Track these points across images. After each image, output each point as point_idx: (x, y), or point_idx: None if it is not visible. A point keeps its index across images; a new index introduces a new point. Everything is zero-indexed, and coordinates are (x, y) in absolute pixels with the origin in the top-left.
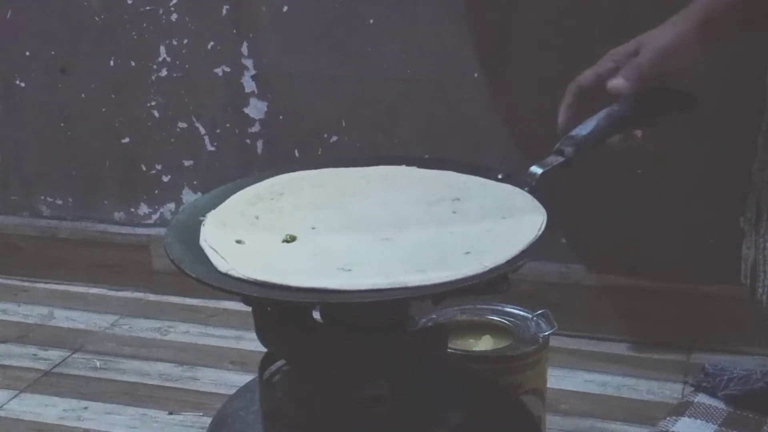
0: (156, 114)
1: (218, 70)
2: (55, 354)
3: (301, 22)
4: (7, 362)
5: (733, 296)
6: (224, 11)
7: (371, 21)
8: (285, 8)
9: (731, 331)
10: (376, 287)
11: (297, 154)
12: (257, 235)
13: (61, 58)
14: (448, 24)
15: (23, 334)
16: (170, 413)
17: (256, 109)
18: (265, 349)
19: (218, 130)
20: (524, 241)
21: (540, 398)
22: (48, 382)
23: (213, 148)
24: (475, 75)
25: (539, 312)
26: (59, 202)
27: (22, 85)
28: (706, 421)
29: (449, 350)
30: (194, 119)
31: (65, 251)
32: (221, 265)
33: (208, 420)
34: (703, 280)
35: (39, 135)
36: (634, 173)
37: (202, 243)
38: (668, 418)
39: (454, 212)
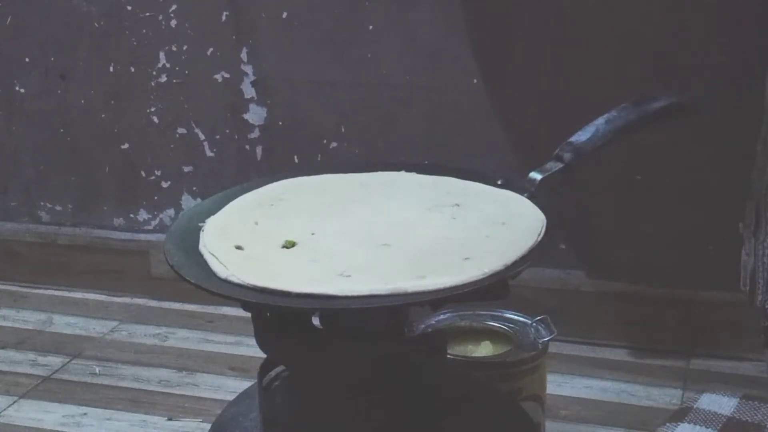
0: (155, 120)
1: (218, 76)
2: (54, 360)
3: (300, 28)
4: (6, 368)
5: (732, 302)
6: (224, 17)
7: (371, 27)
8: (284, 14)
9: (730, 338)
10: (375, 293)
11: (296, 160)
12: (256, 240)
13: (61, 64)
14: (447, 30)
15: (22, 340)
16: (170, 419)
17: (255, 115)
18: (264, 355)
19: (218, 136)
20: (523, 246)
21: (539, 404)
22: (47, 388)
23: (212, 154)
24: (474, 81)
25: (539, 318)
26: (59, 208)
27: (22, 91)
28: (706, 426)
29: (448, 356)
30: (194, 125)
31: (65, 257)
32: (220, 271)
33: (207, 426)
34: (702, 287)
35: (38, 141)
36: (633, 179)
37: (202, 249)
38: (668, 424)
39: (454, 218)
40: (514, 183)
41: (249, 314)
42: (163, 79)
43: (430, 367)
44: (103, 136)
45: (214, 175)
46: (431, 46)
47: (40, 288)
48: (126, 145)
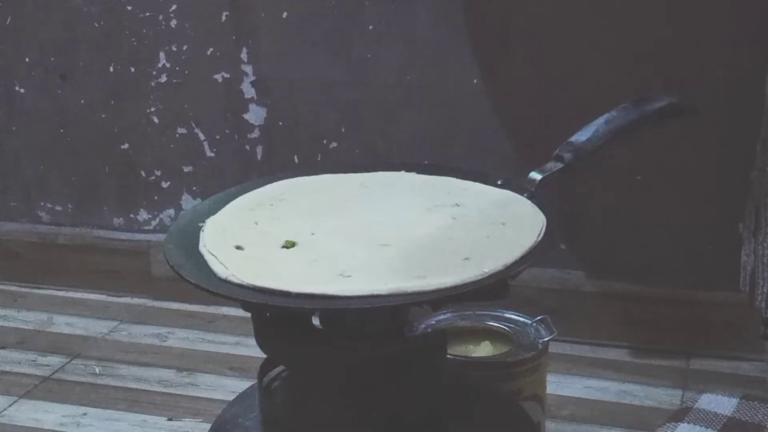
0: (155, 120)
1: (218, 76)
2: (54, 360)
3: (300, 28)
4: (6, 368)
5: (732, 302)
6: (224, 17)
7: (371, 27)
8: (284, 14)
9: (730, 338)
10: (375, 293)
11: (296, 160)
12: (257, 240)
13: (61, 64)
14: (447, 30)
15: (22, 340)
16: (169, 419)
17: (255, 115)
18: (264, 355)
19: (218, 136)
20: (523, 246)
21: (539, 404)
22: (47, 388)
23: (212, 154)
24: (475, 81)
25: (538, 318)
26: (58, 208)
27: (22, 91)
28: (706, 426)
29: (448, 356)
30: (194, 125)
31: (64, 257)
32: (220, 271)
33: (207, 426)
34: (702, 287)
35: (38, 141)
36: (633, 179)
37: (202, 249)
38: (668, 424)
39: (454, 218)
40: (514, 183)
41: (249, 314)
42: (163, 79)
43: (430, 367)
44: (103, 136)
45: (214, 175)
46: (431, 46)
47: (40, 288)
48: (126, 145)
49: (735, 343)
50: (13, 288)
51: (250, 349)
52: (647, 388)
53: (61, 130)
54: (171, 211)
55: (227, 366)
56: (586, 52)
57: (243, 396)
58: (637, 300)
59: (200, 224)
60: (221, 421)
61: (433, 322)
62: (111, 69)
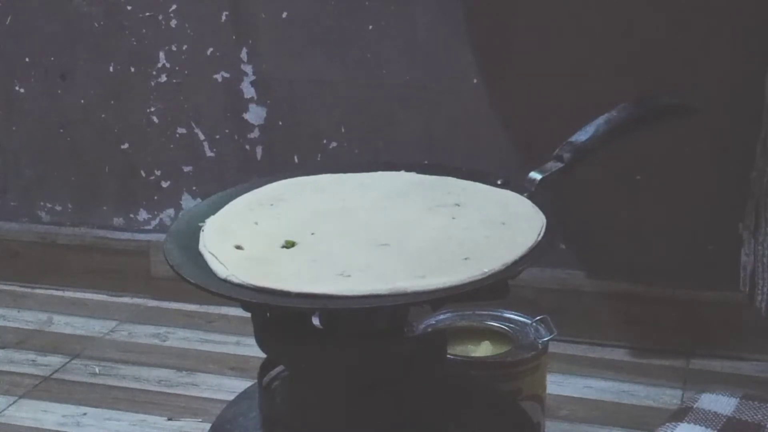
0: (155, 120)
1: (218, 76)
2: (54, 360)
3: (300, 28)
4: (6, 368)
5: (732, 302)
6: (223, 17)
7: (370, 27)
8: (284, 14)
9: (730, 338)
10: (375, 293)
11: (296, 160)
12: (256, 240)
13: (61, 64)
14: (447, 30)
15: (22, 340)
16: (169, 419)
17: (255, 114)
18: (264, 355)
19: (218, 136)
20: (523, 246)
21: (539, 404)
22: (47, 388)
23: (212, 154)
24: (475, 81)
25: (538, 318)
26: (58, 207)
27: (22, 90)
28: (706, 426)
29: (448, 356)
30: (194, 125)
31: (64, 257)
32: (220, 271)
33: (207, 426)
34: (702, 287)
35: (38, 141)
36: (633, 179)
37: (202, 249)
38: (668, 424)
39: (454, 218)
40: (514, 183)
41: (249, 314)
42: (163, 79)
43: (430, 367)
44: (103, 136)
45: (214, 175)
46: (431, 46)
47: (39, 288)
48: (126, 145)
49: (735, 343)
50: (13, 288)
51: (250, 349)
52: (647, 388)
53: (61, 130)
54: (171, 211)
55: (227, 366)
56: (586, 52)
57: (243, 396)
58: (637, 300)
59: (200, 224)
60: (221, 421)
61: (433, 322)
62: (111, 69)
